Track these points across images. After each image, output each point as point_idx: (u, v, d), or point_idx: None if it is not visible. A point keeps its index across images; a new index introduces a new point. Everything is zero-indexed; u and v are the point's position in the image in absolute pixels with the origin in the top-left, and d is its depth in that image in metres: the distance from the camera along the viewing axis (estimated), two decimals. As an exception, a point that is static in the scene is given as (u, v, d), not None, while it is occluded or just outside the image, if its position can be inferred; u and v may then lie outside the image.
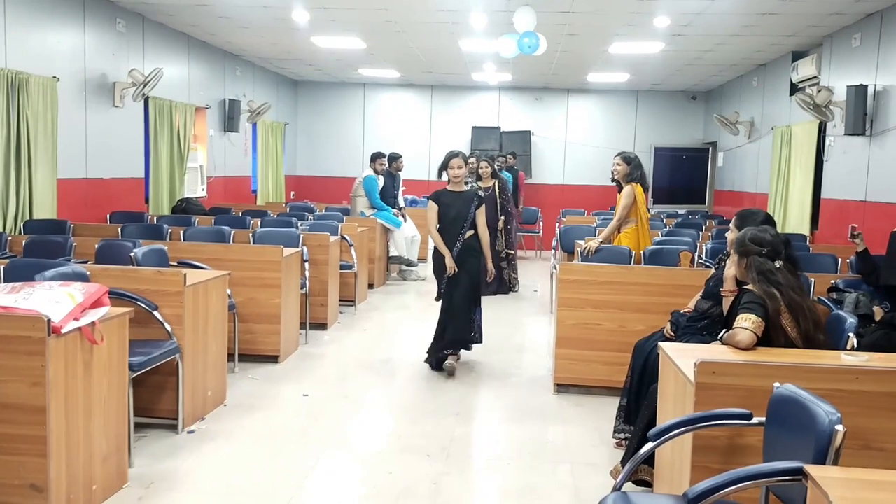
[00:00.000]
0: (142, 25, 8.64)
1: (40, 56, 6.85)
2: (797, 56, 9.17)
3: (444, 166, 5.92)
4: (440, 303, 5.93)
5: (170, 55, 9.34)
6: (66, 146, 7.15)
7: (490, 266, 5.94)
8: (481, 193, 9.48)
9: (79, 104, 7.54)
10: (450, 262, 5.72)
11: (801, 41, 8.79)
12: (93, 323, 3.28)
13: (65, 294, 3.22)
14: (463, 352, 5.97)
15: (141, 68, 8.33)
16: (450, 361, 5.81)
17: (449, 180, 5.94)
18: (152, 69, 8.22)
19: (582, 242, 6.83)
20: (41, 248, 5.55)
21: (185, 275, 4.38)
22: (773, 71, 10.25)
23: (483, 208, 5.90)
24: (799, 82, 8.93)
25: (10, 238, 5.88)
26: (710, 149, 13.58)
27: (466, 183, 9.93)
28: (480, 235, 5.88)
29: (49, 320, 3.01)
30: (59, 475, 3.11)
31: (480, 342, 6.03)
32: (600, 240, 6.41)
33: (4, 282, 4.06)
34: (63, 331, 3.07)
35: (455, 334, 5.77)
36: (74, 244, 5.78)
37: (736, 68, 11.00)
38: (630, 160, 6.38)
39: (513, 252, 9.60)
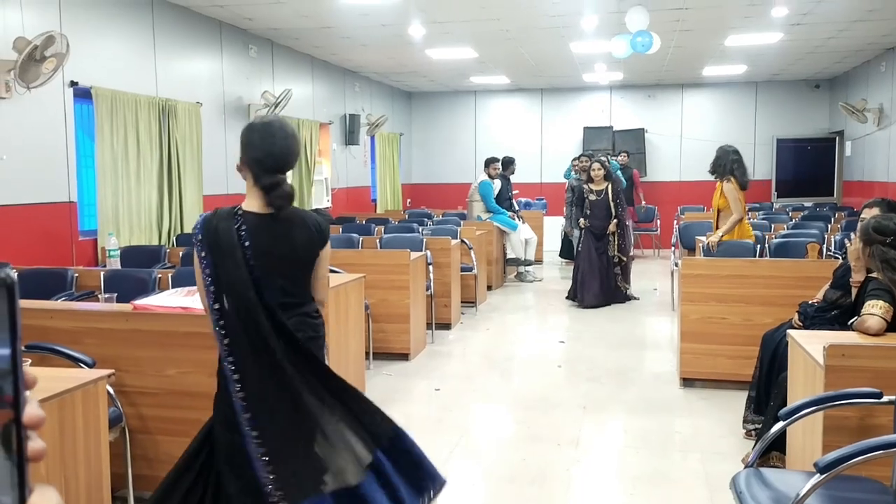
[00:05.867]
0: (271, 50, 9.26)
1: (185, 83, 7.52)
2: (929, 36, 8.76)
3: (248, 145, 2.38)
4: None
5: (296, 76, 9.94)
6: (209, 165, 7.80)
7: None
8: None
9: (219, 126, 8.19)
10: None
11: (932, 21, 8.40)
12: (255, 321, 3.66)
13: (232, 295, 3.62)
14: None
15: (272, 90, 8.94)
16: None
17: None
18: (282, 90, 8.80)
19: (703, 238, 6.83)
20: (196, 259, 6.08)
21: (328, 278, 4.76)
22: (902, 53, 9.80)
23: None
24: (931, 64, 8.52)
25: (168, 251, 6.49)
26: (837, 138, 13.04)
27: (573, 186, 9.54)
28: None
29: (222, 318, 3.40)
30: (232, 456, 3.50)
31: None
32: (721, 234, 6.38)
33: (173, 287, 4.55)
34: (233, 327, 3.46)
35: None
36: (223, 254, 6.29)
37: (861, 54, 10.57)
38: (718, 153, 6.49)
39: (626, 258, 8.79)
